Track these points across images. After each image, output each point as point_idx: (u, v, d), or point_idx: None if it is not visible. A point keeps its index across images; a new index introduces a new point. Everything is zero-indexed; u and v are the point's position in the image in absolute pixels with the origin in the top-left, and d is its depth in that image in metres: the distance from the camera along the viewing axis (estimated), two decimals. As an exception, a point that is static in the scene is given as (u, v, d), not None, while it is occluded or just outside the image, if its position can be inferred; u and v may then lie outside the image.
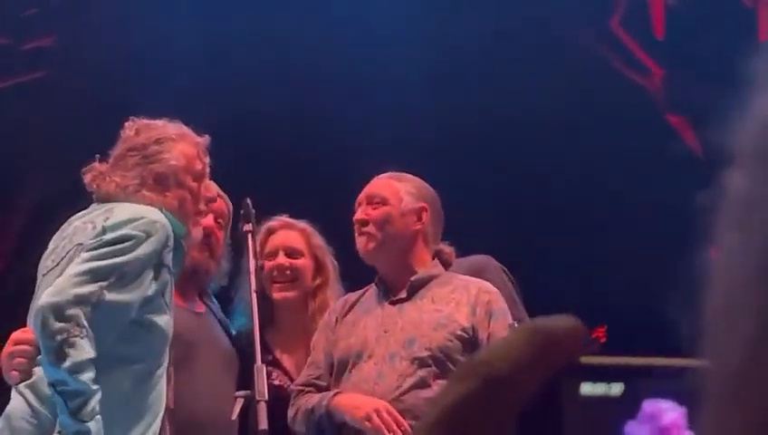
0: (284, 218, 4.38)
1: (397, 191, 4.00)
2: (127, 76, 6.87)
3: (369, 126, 6.89)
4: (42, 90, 7.11)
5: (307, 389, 3.95)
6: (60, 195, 6.29)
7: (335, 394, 3.85)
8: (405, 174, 4.10)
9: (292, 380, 4.23)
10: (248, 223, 3.97)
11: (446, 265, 4.08)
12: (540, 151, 7.11)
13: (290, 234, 4.34)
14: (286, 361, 4.29)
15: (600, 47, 7.48)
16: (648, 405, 5.17)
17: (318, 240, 4.36)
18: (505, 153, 7.09)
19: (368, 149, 6.49)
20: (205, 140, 3.68)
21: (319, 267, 4.33)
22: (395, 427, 3.68)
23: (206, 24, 7.15)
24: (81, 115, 6.87)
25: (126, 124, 3.64)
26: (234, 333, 4.30)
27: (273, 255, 4.28)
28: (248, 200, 3.98)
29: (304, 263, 4.30)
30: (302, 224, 4.39)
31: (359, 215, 3.99)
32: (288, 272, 4.27)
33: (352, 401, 3.79)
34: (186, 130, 3.66)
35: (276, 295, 4.26)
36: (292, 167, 6.84)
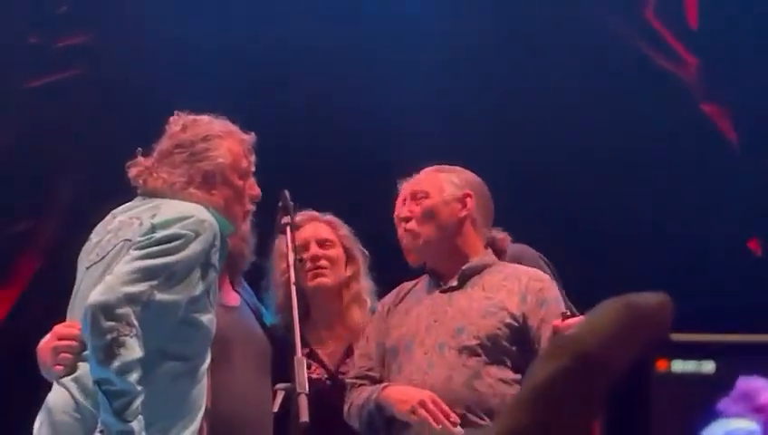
0: (309, 212, 4.39)
1: (438, 182, 3.99)
2: (160, 73, 6.87)
3: (399, 117, 6.86)
4: (75, 88, 7.12)
5: (360, 382, 3.96)
6: (95, 193, 6.31)
7: (384, 387, 3.85)
8: (448, 166, 4.09)
9: (328, 371, 4.24)
10: (287, 215, 3.96)
11: (501, 252, 4.07)
12: (569, 142, 7.07)
13: (318, 226, 4.36)
14: (322, 353, 4.29)
15: (634, 37, 7.44)
16: (743, 383, 5.07)
17: (345, 230, 4.37)
18: (533, 144, 7.06)
19: (398, 141, 6.48)
20: (250, 137, 3.67)
21: (349, 257, 4.34)
22: (441, 417, 3.67)
23: (237, 22, 7.15)
24: (116, 113, 6.88)
25: (171, 119, 3.63)
26: (268, 325, 4.30)
27: (305, 247, 4.28)
28: (286, 192, 3.96)
29: (337, 252, 4.31)
30: (327, 216, 4.39)
31: (402, 212, 3.98)
32: (322, 261, 4.27)
33: (399, 394, 3.79)
34: (232, 127, 3.65)
35: (312, 283, 4.26)
36: (320, 159, 6.83)
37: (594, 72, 7.18)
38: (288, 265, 3.87)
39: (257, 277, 4.41)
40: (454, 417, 3.69)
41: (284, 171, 4.50)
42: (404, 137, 6.65)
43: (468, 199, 3.98)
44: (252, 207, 3.68)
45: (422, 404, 3.69)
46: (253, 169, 3.65)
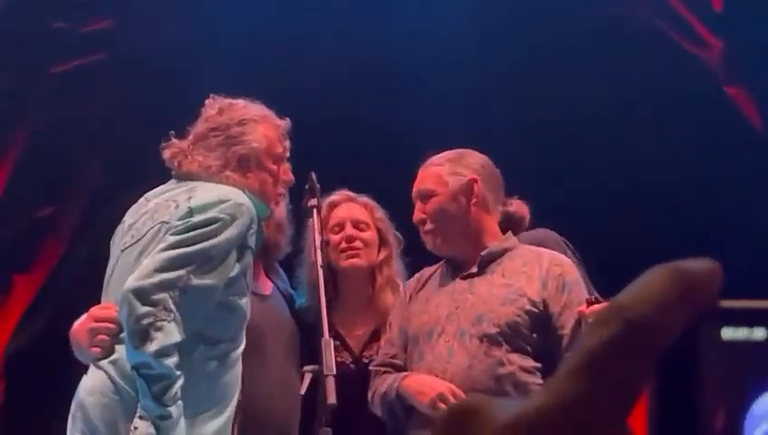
0: (346, 192, 4.39)
1: (440, 177, 3.95)
2: (184, 57, 6.88)
3: (429, 98, 6.86)
4: (100, 73, 7.13)
5: (384, 369, 3.95)
6: (120, 177, 6.33)
7: (404, 377, 3.84)
8: (446, 153, 4.03)
9: (353, 354, 4.24)
10: (313, 198, 3.95)
11: (519, 222, 4.06)
12: (596, 127, 7.05)
13: (353, 207, 4.35)
14: (349, 336, 4.29)
15: (657, 19, 7.40)
16: None
17: (380, 213, 4.36)
18: (559, 130, 7.05)
19: (428, 122, 6.47)
20: (286, 122, 3.67)
21: (383, 240, 4.33)
22: None
23: (260, 6, 7.14)
24: (140, 98, 6.89)
25: (207, 102, 3.63)
26: (297, 307, 4.31)
27: (341, 227, 4.29)
28: (313, 175, 3.96)
29: (371, 235, 4.31)
30: (363, 198, 4.39)
31: (415, 216, 3.98)
32: (357, 242, 4.27)
33: (418, 386, 3.77)
34: (267, 111, 3.65)
35: (345, 263, 4.26)
36: (352, 141, 6.82)
37: (617, 56, 7.15)
38: (315, 248, 3.87)
39: (291, 265, 4.41)
40: None
41: (310, 155, 4.51)
42: (428, 120, 6.64)
43: (475, 185, 3.95)
44: (284, 192, 3.69)
45: (442, 397, 3.68)
46: (287, 154, 3.65)
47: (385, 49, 7.03)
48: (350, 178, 4.51)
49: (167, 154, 3.55)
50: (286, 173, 3.65)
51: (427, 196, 3.95)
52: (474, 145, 4.21)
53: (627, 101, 7.07)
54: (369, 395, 3.94)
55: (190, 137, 3.57)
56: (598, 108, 6.99)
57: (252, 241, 3.38)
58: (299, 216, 4.17)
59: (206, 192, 3.38)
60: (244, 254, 3.36)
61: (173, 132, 3.58)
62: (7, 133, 7.08)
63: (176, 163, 3.53)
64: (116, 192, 3.77)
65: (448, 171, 3.96)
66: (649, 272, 0.59)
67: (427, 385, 3.75)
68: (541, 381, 3.68)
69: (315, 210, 3.95)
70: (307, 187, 3.97)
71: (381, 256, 4.31)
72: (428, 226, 3.94)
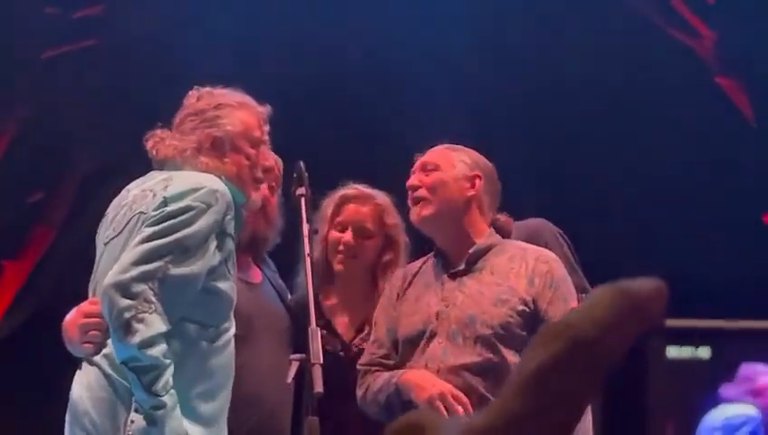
0: (361, 189, 4.32)
1: (450, 159, 3.96)
2: (176, 44, 6.87)
3: (425, 91, 6.86)
4: (91, 59, 7.13)
5: (374, 368, 3.93)
6: (110, 164, 6.33)
7: (404, 372, 3.83)
8: (462, 146, 4.06)
9: (343, 344, 4.23)
10: (301, 186, 3.94)
11: (505, 233, 4.04)
12: (587, 116, 7.06)
13: (362, 210, 4.28)
14: (340, 325, 4.28)
15: (649, 9, 7.41)
16: (744, 368, 5.05)
17: (391, 217, 4.26)
18: (549, 117, 7.05)
19: (425, 116, 6.48)
20: (266, 109, 3.65)
21: (390, 244, 4.27)
22: (460, 410, 3.64)
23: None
24: (131, 84, 6.89)
25: (190, 93, 3.63)
26: (291, 300, 4.30)
27: (343, 229, 4.25)
28: (301, 163, 3.94)
29: (372, 244, 4.25)
30: (378, 198, 4.32)
31: (411, 181, 3.96)
32: (352, 250, 4.24)
33: (419, 381, 3.76)
34: (248, 99, 3.63)
35: (337, 267, 4.25)
36: (345, 131, 6.83)
37: (610, 45, 7.15)
38: (303, 237, 3.86)
39: (283, 259, 4.41)
40: (471, 411, 3.65)
41: (300, 144, 4.51)
42: (420, 110, 6.65)
43: (477, 180, 3.94)
44: (263, 177, 3.68)
45: (441, 396, 3.68)
46: (266, 138, 3.64)
47: (382, 41, 7.03)
48: (347, 172, 4.47)
49: (149, 144, 3.55)
50: (265, 157, 3.64)
51: (431, 168, 3.94)
52: (471, 138, 4.22)
53: (618, 92, 7.08)
54: (361, 393, 3.91)
55: (172, 127, 3.58)
56: (586, 97, 7.00)
57: (230, 227, 3.37)
58: (292, 206, 4.16)
59: (181, 181, 3.37)
60: (224, 241, 3.36)
61: (159, 123, 3.58)
62: (-2, 118, 7.08)
63: (154, 151, 3.53)
64: (106, 179, 3.77)
65: (458, 158, 3.96)
66: (595, 291, 0.60)
67: (428, 381, 3.74)
68: None
69: (303, 199, 3.93)
70: (295, 175, 3.96)
71: (386, 258, 4.28)
72: (422, 193, 3.92)
